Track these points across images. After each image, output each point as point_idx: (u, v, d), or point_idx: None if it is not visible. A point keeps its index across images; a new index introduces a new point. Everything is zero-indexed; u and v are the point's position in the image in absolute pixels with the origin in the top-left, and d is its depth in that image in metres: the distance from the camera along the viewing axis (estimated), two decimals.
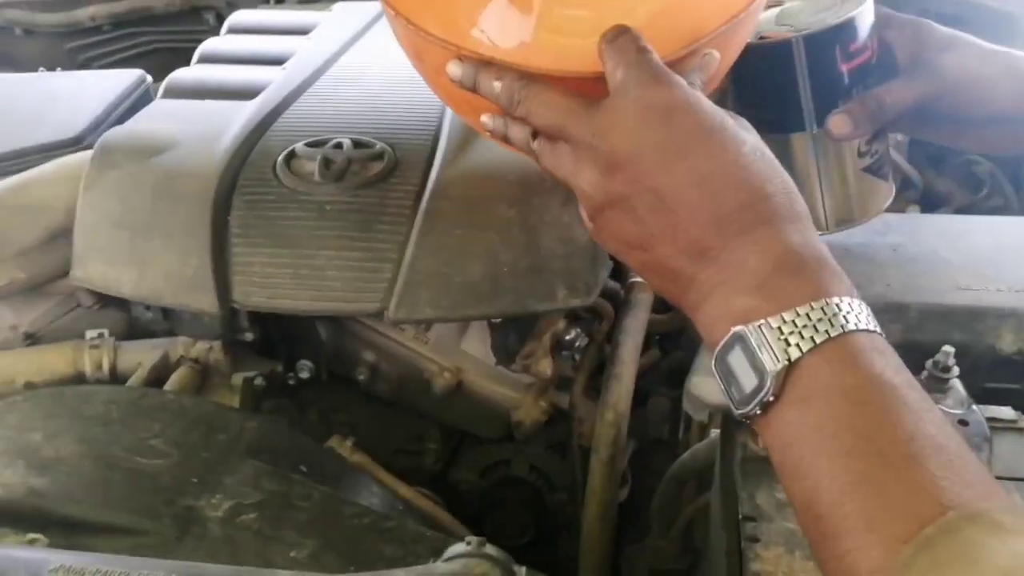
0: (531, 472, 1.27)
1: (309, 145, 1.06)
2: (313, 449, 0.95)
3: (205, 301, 0.97)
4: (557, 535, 1.28)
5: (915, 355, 0.85)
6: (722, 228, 0.57)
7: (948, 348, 0.82)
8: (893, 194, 0.95)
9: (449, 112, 1.12)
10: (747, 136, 0.60)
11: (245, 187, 1.02)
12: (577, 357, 1.20)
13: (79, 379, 1.13)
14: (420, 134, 1.08)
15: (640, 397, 1.16)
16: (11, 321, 1.27)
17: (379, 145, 1.05)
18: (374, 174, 1.01)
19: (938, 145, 1.71)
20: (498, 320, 1.17)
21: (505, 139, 0.71)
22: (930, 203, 1.63)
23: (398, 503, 1.01)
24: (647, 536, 1.13)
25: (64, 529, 0.78)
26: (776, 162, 0.60)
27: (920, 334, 0.92)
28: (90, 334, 1.16)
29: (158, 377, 1.14)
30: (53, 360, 1.15)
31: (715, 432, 0.98)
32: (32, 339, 1.26)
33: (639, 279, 1.19)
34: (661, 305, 1.41)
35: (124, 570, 0.63)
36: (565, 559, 1.22)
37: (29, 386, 1.13)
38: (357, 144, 1.05)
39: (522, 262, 0.95)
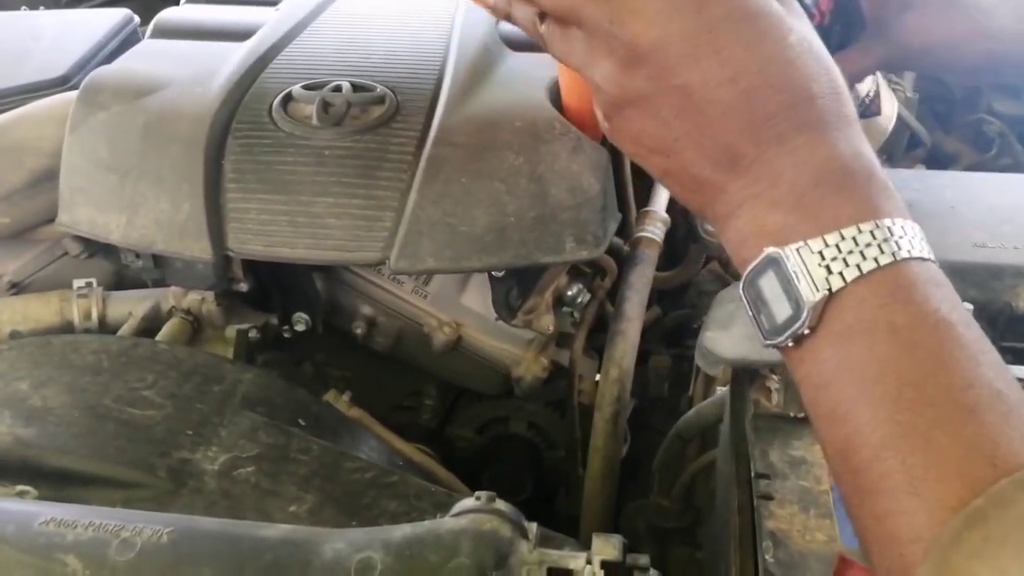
0: (529, 429, 1.25)
1: (306, 88, 1.01)
2: (310, 402, 0.92)
3: (198, 248, 0.93)
4: (554, 493, 1.27)
5: None
6: (757, 133, 0.50)
7: (967, 305, 0.80)
8: None
9: (453, 54, 1.08)
10: (794, 24, 0.51)
11: (240, 130, 0.97)
12: (577, 314, 1.17)
13: (67, 329, 1.10)
14: (422, 77, 1.03)
15: (641, 355, 1.14)
16: None
17: (380, 88, 1.01)
18: (375, 118, 0.97)
19: (946, 104, 1.69)
20: (500, 274, 1.14)
21: (508, 18, 0.60)
22: (937, 162, 1.60)
23: (397, 458, 0.99)
24: (646, 494, 1.12)
25: (54, 481, 0.76)
26: (825, 56, 0.52)
27: None
28: (78, 283, 1.12)
29: (149, 328, 1.11)
30: (39, 309, 1.11)
31: (721, 389, 0.96)
32: (17, 288, 1.23)
33: (646, 234, 1.17)
34: (664, 262, 1.39)
35: (118, 523, 0.61)
36: (563, 517, 1.21)
37: (15, 335, 1.10)
38: (357, 87, 1.01)
39: (529, 212, 0.91)
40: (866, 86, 1.32)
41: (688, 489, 1.08)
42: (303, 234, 0.93)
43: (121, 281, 1.19)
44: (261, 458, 0.79)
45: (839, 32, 0.79)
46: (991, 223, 0.96)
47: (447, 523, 0.60)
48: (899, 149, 1.64)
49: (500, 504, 0.61)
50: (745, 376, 0.82)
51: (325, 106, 0.99)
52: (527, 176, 0.92)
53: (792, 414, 0.78)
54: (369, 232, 0.92)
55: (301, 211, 0.93)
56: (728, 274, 1.31)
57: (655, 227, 1.17)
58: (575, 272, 1.15)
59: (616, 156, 1.34)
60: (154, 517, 0.64)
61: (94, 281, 1.14)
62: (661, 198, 1.23)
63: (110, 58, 1.18)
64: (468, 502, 0.62)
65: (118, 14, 1.30)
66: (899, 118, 1.61)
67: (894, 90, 1.59)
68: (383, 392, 1.23)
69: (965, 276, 0.90)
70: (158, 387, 0.86)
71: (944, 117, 1.68)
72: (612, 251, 1.18)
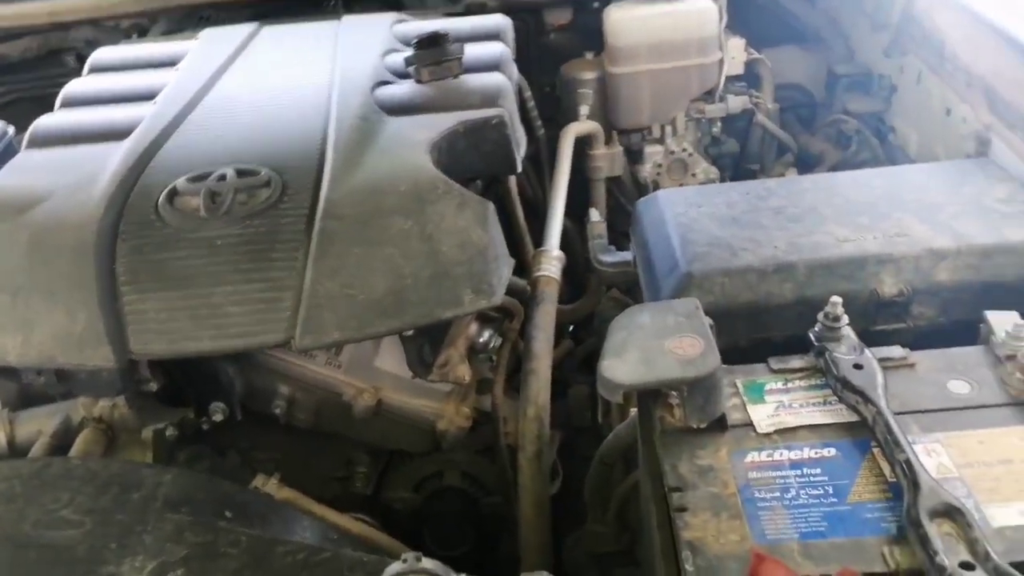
0: (463, 479, 1.27)
1: (191, 180, 1.02)
2: (236, 493, 0.92)
3: (100, 356, 0.93)
4: (497, 537, 1.29)
5: (809, 310, 0.90)
6: None
7: (836, 299, 0.87)
8: None
9: (333, 128, 1.11)
10: None
11: (128, 232, 0.98)
12: (493, 358, 1.20)
13: None
14: (305, 155, 1.06)
15: (560, 388, 1.17)
16: None
17: (264, 171, 1.03)
18: (262, 202, 0.99)
19: (809, 108, 1.81)
20: (409, 333, 1.17)
21: None
22: (807, 163, 1.71)
23: (333, 533, 0.99)
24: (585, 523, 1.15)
25: None
26: None
27: (810, 289, 0.96)
28: None
29: (62, 443, 1.09)
30: None
31: (634, 411, 1.00)
32: None
33: (544, 273, 1.21)
34: (568, 295, 1.44)
35: None
36: (507, 560, 1.22)
37: None
38: (241, 173, 1.03)
39: (424, 272, 0.94)
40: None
41: (620, 512, 1.11)
42: (205, 326, 0.93)
43: (28, 395, 1.16)
44: (189, 559, 0.79)
45: None
46: (850, 218, 1.04)
47: None
48: (769, 158, 1.75)
49: (426, 563, 0.63)
50: (649, 396, 0.86)
51: (212, 196, 1.00)
52: (418, 237, 0.96)
53: (694, 425, 0.82)
54: (270, 314, 0.93)
55: (200, 304, 0.94)
56: (630, 300, 1.36)
57: (551, 265, 1.21)
58: (484, 319, 1.19)
59: (506, 203, 1.40)
60: None
61: None
62: (554, 237, 1.28)
63: None
64: (395, 566, 0.63)
65: None
66: (765, 128, 1.72)
67: (755, 104, 1.70)
68: (313, 467, 1.24)
69: (834, 271, 0.97)
70: (75, 505, 0.85)
71: (808, 121, 1.80)
72: (516, 293, 1.22)
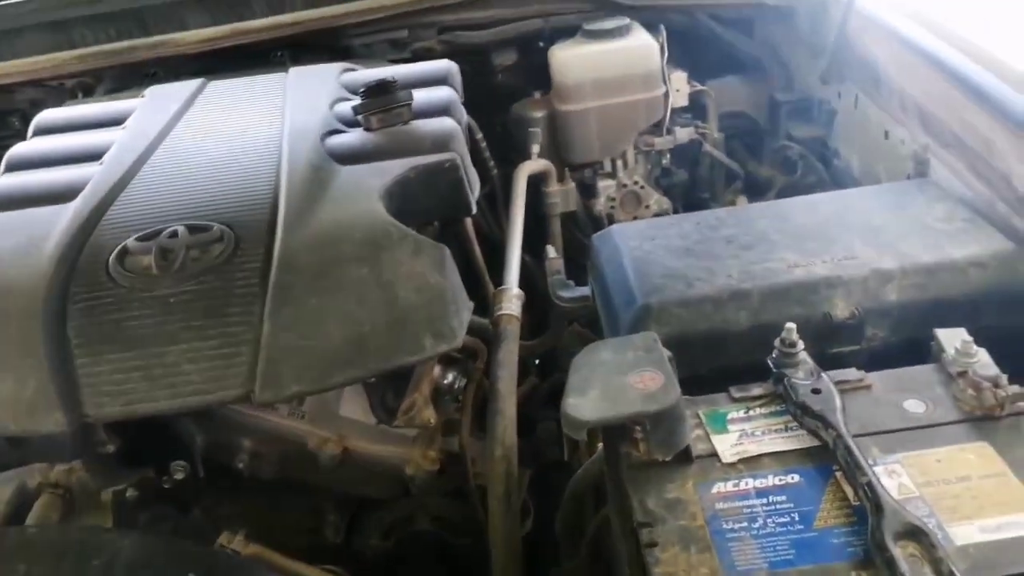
0: (434, 522, 1.26)
1: (141, 239, 1.01)
2: (200, 553, 0.90)
3: (52, 421, 0.90)
4: None
5: (765, 336, 0.91)
6: None
7: (790, 325, 0.88)
8: None
9: (284, 179, 1.10)
10: None
11: (78, 294, 0.96)
12: (460, 398, 1.20)
13: None
14: (257, 207, 1.05)
15: (528, 424, 1.17)
16: None
17: (216, 227, 1.02)
18: (215, 257, 0.98)
19: (754, 135, 1.86)
20: (372, 380, 1.16)
21: None
22: (756, 189, 1.75)
23: None
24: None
25: None
26: None
27: (765, 315, 0.98)
28: None
29: (18, 512, 1.06)
30: None
31: (601, 446, 1.00)
32: None
33: (504, 311, 1.21)
34: (530, 331, 1.44)
35: None
36: None
37: None
38: (193, 229, 1.02)
39: (383, 319, 0.94)
40: None
41: (594, 546, 1.11)
42: (161, 385, 0.92)
43: None
44: None
45: None
46: (800, 243, 1.07)
47: None
48: (719, 186, 1.78)
49: None
50: (614, 432, 0.87)
51: (163, 253, 0.99)
52: (374, 285, 0.95)
53: (660, 458, 0.82)
54: (228, 370, 0.91)
55: (155, 363, 0.92)
56: (592, 334, 1.37)
57: (512, 303, 1.22)
58: (447, 360, 1.19)
59: (464, 244, 1.40)
60: None
61: None
62: (513, 275, 1.28)
63: None
64: None
65: None
66: (713, 157, 1.76)
67: (701, 134, 1.74)
68: (281, 520, 1.21)
69: (786, 296, 0.99)
70: (33, 575, 0.82)
71: (753, 147, 1.84)
72: (478, 332, 1.22)
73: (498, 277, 1.32)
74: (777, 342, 0.87)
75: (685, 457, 0.82)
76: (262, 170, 1.14)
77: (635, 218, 1.71)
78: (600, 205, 1.72)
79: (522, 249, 1.38)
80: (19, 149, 1.33)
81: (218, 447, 1.13)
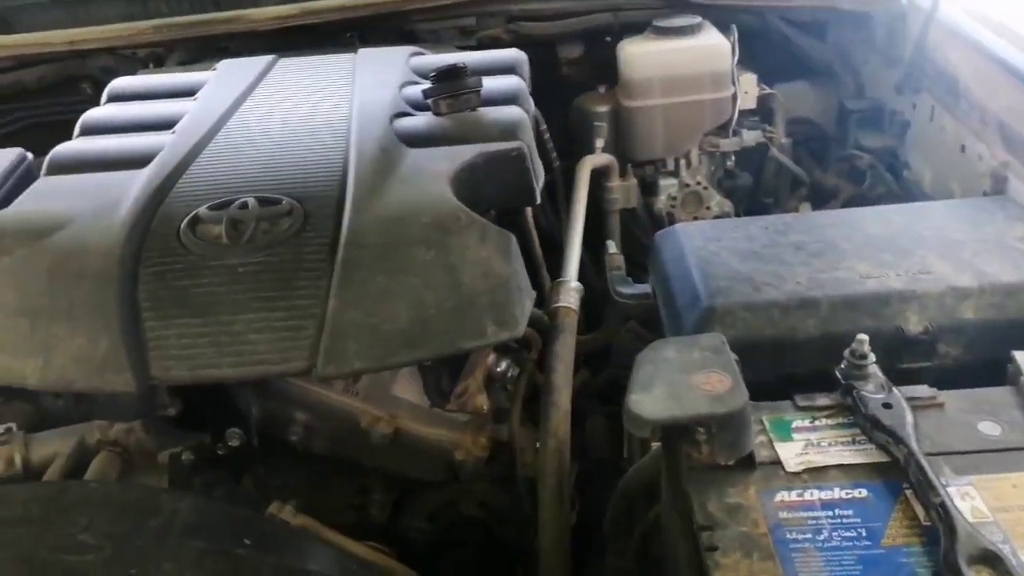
0: (480, 509, 1.26)
1: (212, 208, 1.03)
2: (253, 520, 0.91)
3: (120, 381, 0.92)
4: (512, 569, 1.27)
5: (833, 346, 0.90)
6: None
7: (862, 336, 0.86)
8: None
9: (353, 158, 1.11)
10: None
11: (150, 259, 0.98)
12: (509, 387, 1.20)
13: None
14: (325, 184, 1.06)
15: (577, 419, 1.16)
16: None
17: (286, 201, 1.03)
18: (284, 230, 0.99)
19: (821, 143, 1.83)
20: (428, 362, 1.16)
21: None
22: (821, 198, 1.72)
23: (350, 562, 0.98)
24: (604, 555, 1.13)
25: None
26: None
27: (834, 325, 0.96)
28: None
29: (77, 466, 1.08)
30: None
31: (656, 445, 0.99)
32: None
33: (562, 304, 1.21)
34: (584, 326, 1.43)
35: None
36: None
37: None
38: (263, 202, 1.03)
39: (447, 303, 0.94)
40: None
41: (643, 545, 1.10)
42: (227, 353, 0.93)
43: (44, 417, 1.15)
44: None
45: None
46: (872, 254, 1.04)
47: None
48: (783, 192, 1.75)
49: None
50: (675, 432, 0.86)
51: (234, 224, 1.00)
52: (441, 268, 0.96)
53: (723, 462, 0.81)
54: (293, 343, 0.92)
55: (222, 331, 0.94)
56: (648, 332, 1.36)
57: (571, 296, 1.21)
58: (502, 349, 1.18)
59: (524, 234, 1.40)
60: None
61: (13, 426, 1.10)
62: (572, 268, 1.28)
63: (6, 200, 1.17)
64: None
65: (10, 154, 1.29)
66: (778, 162, 1.73)
67: (769, 138, 1.71)
68: (329, 494, 1.22)
69: (858, 307, 0.97)
70: (93, 529, 0.84)
71: (820, 155, 1.81)
72: (534, 323, 1.22)
73: (554, 270, 1.31)
74: (847, 353, 0.86)
75: (748, 463, 0.81)
76: (331, 147, 1.15)
77: (695, 218, 1.69)
78: (660, 203, 1.70)
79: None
80: (94, 114, 1.36)
81: (273, 419, 1.15)
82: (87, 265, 0.97)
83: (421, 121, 1.23)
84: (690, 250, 1.12)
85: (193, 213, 1.02)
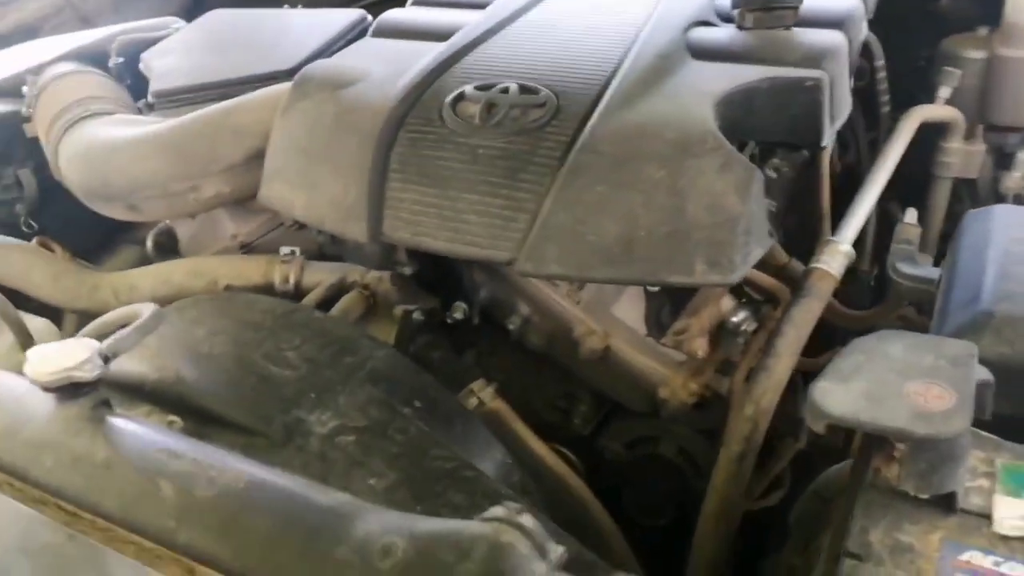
0: (679, 454, 1.19)
1: (478, 88, 1.05)
2: (432, 388, 0.96)
3: (357, 230, 1.01)
4: (694, 523, 1.21)
5: None
6: None
7: None
8: None
9: (628, 62, 1.06)
10: None
11: (412, 125, 1.04)
12: (743, 342, 1.10)
13: (269, 289, 1.24)
14: (589, 83, 1.03)
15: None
16: (232, 231, 1.43)
17: (544, 92, 1.02)
18: (531, 121, 0.99)
19: None
20: (655, 289, 1.11)
21: None
22: None
23: (513, 467, 0.98)
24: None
25: (198, 417, 0.87)
26: None
27: None
28: (284, 250, 1.27)
29: (332, 296, 1.22)
30: (250, 270, 1.27)
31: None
32: (246, 248, 1.42)
33: (820, 266, 1.06)
34: (858, 300, 1.25)
35: (213, 463, 0.68)
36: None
37: (228, 289, 1.27)
38: (523, 89, 1.03)
39: (661, 228, 0.87)
40: None
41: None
42: (446, 227, 0.97)
43: (322, 254, 1.32)
44: (364, 430, 0.85)
45: None
46: None
47: (471, 526, 0.61)
48: None
49: (525, 519, 0.60)
50: (873, 440, 0.72)
51: (489, 106, 1.02)
52: (667, 190, 0.88)
53: (910, 492, 0.67)
54: (503, 231, 0.93)
55: (448, 205, 0.97)
56: (923, 317, 1.14)
57: (835, 260, 1.05)
58: (745, 298, 1.08)
59: (815, 180, 1.24)
60: (242, 464, 0.71)
61: (297, 250, 1.28)
62: (851, 230, 1.10)
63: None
64: (498, 510, 0.61)
65: (353, 14, 1.44)
66: None
67: None
68: (537, 389, 1.25)
69: None
70: (300, 350, 0.95)
71: None
72: (790, 280, 1.09)
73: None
74: None
75: (947, 503, 0.66)
76: (613, 49, 1.10)
77: None
78: (1013, 181, 1.39)
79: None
80: None
81: (497, 303, 1.18)
82: (360, 121, 1.06)
83: (721, 33, 1.12)
84: (999, 239, 0.91)
85: (460, 90, 1.06)
